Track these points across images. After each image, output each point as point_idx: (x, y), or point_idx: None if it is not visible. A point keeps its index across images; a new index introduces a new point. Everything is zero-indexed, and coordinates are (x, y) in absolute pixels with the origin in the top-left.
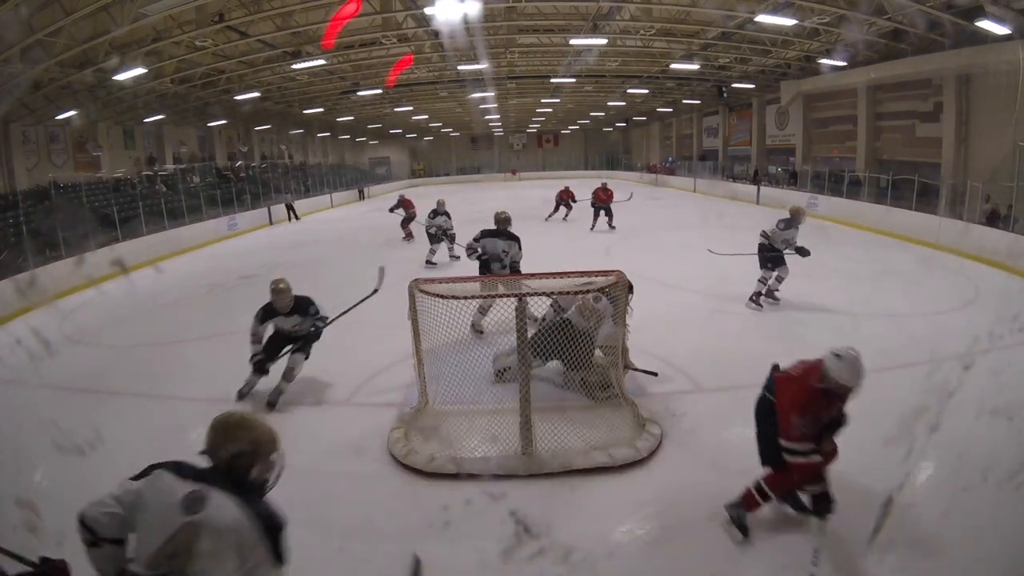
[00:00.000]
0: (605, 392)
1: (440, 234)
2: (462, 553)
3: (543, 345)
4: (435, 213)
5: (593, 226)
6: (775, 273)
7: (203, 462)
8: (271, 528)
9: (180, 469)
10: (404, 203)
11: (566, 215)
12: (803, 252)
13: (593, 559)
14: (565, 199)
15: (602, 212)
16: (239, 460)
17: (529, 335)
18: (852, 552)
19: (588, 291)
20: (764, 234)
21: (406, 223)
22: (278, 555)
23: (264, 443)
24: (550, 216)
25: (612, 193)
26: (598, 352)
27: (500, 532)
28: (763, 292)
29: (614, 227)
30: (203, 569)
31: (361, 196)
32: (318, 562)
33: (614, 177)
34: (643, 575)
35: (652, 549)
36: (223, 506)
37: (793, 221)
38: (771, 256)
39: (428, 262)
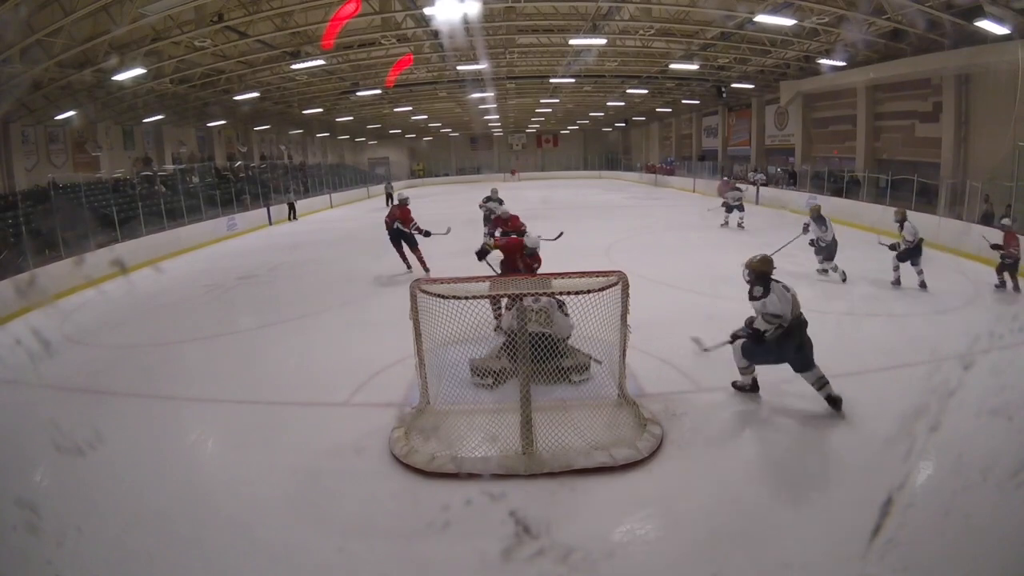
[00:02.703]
0: (582, 376)
1: (488, 215)
2: (462, 553)
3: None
4: (488, 199)
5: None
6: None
7: None
8: None
9: None
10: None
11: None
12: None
13: (593, 559)
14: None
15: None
16: None
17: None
18: (852, 552)
19: (526, 294)
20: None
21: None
22: None
23: None
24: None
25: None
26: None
27: (500, 532)
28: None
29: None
30: None
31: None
32: (318, 561)
33: (614, 178)
34: (643, 575)
35: (652, 549)
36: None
37: (810, 223)
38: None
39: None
